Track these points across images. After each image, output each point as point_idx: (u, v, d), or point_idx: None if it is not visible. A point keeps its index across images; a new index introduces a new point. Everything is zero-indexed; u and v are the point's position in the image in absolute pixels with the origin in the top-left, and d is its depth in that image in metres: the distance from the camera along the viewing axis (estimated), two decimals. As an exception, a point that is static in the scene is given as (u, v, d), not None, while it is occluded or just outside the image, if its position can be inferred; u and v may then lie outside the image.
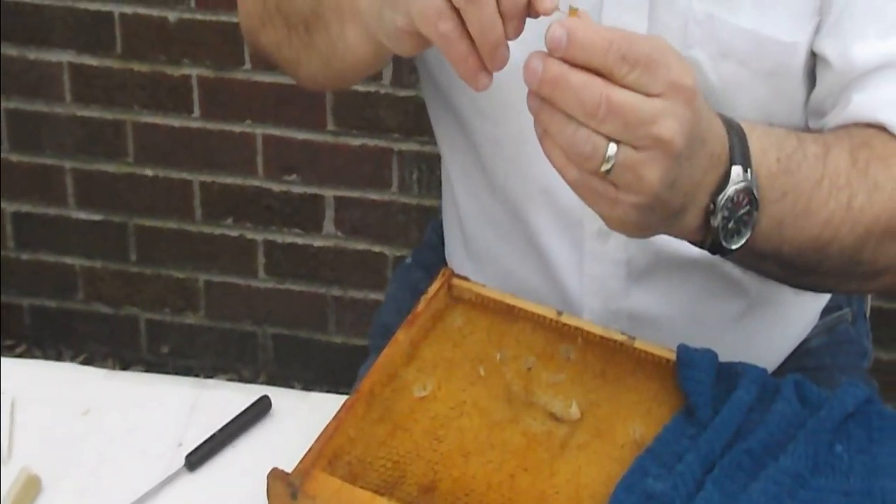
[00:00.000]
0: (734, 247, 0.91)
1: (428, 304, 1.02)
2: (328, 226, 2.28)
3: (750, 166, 0.89)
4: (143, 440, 1.03)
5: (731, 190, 0.88)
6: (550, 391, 0.98)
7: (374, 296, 2.31)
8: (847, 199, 0.95)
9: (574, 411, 0.96)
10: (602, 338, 1.01)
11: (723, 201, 0.88)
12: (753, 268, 1.01)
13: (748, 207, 0.90)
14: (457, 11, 0.82)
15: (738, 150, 0.89)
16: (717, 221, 0.89)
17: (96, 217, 2.35)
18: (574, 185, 0.84)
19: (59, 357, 2.42)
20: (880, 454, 0.92)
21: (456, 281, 1.05)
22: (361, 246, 2.29)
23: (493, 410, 0.96)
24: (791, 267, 0.98)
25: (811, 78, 1.07)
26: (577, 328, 1.02)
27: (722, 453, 0.91)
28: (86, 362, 2.40)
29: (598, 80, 0.80)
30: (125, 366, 2.43)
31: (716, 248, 0.91)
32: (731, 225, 0.89)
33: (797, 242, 0.95)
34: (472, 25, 0.82)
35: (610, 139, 0.81)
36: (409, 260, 1.41)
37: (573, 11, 0.81)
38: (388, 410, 0.96)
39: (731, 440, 0.92)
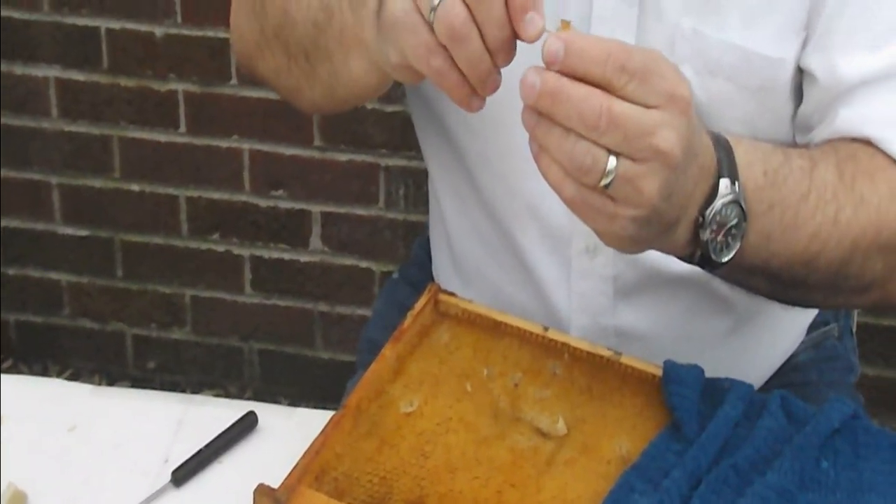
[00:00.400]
0: (723, 260, 0.91)
1: (414, 319, 1.02)
2: (315, 241, 2.28)
3: (737, 179, 0.89)
4: (129, 456, 1.03)
5: (719, 203, 0.88)
6: (537, 407, 0.98)
7: (360, 311, 2.31)
8: (834, 212, 0.96)
9: (560, 427, 0.96)
10: (588, 353, 1.01)
11: (711, 214, 0.88)
12: (742, 283, 1.01)
13: (736, 220, 0.90)
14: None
15: (726, 163, 0.89)
16: (706, 235, 0.89)
17: (83, 232, 2.35)
18: (571, 202, 0.83)
19: (45, 372, 2.41)
20: (866, 470, 0.92)
21: (442, 296, 1.05)
22: (348, 261, 2.29)
23: (480, 426, 0.96)
24: (779, 281, 0.98)
25: (798, 93, 1.07)
26: (563, 344, 1.02)
27: (708, 469, 0.91)
28: (72, 378, 2.39)
29: (598, 92, 0.79)
30: (111, 381, 2.42)
31: (705, 263, 0.91)
32: (719, 238, 0.89)
33: (785, 256, 0.95)
34: (460, 61, 0.83)
35: (609, 151, 0.80)
36: (396, 276, 1.41)
37: (565, 24, 0.81)
38: (375, 426, 0.96)
39: (717, 456, 0.92)
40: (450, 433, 0.96)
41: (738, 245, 0.91)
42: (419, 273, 1.35)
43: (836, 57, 1.02)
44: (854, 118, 1.01)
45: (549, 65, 0.79)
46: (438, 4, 0.81)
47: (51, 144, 2.28)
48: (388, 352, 1.00)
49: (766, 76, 1.05)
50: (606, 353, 1.01)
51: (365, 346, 1.35)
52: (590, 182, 0.81)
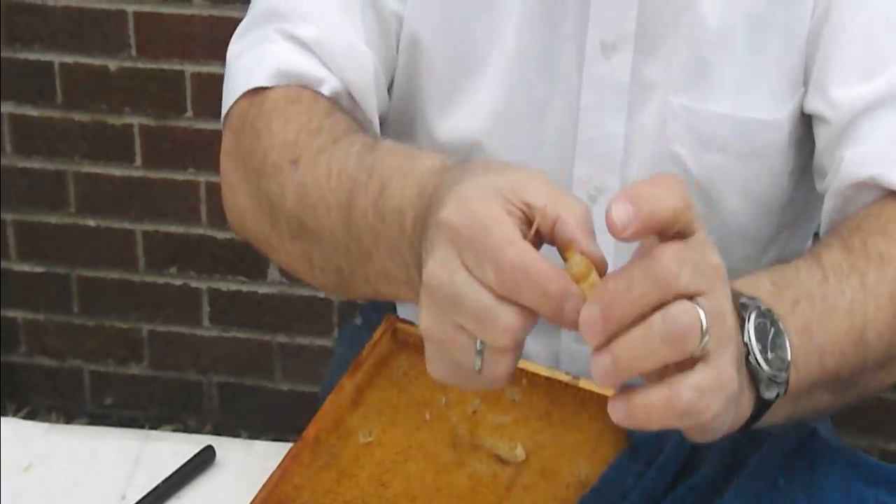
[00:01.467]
0: (785, 367, 0.83)
1: (372, 349, 1.02)
2: (273, 273, 2.28)
3: (747, 296, 0.83)
4: (86, 494, 1.02)
5: (751, 322, 0.81)
6: (496, 434, 0.98)
7: (319, 342, 2.30)
8: (859, 280, 0.91)
9: (519, 453, 0.96)
10: (547, 379, 1.01)
11: (749, 333, 0.81)
12: (808, 410, 0.92)
13: (773, 329, 0.83)
14: None
15: (730, 289, 0.80)
16: (758, 359, 0.81)
17: (38, 269, 2.33)
18: (690, 401, 0.72)
19: (1, 411, 2.39)
20: (823, 487, 0.92)
21: (400, 325, 1.05)
22: (306, 292, 2.28)
23: (439, 454, 0.96)
24: (840, 383, 0.91)
25: (798, 148, 1.06)
26: (521, 370, 1.02)
27: (666, 491, 0.91)
28: (29, 416, 2.37)
29: (661, 251, 0.72)
30: (69, 418, 2.40)
31: (768, 406, 0.83)
32: (770, 356, 0.82)
33: (835, 346, 0.89)
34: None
35: (690, 300, 0.72)
36: (358, 321, 1.40)
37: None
38: (334, 457, 0.95)
39: (675, 477, 0.92)
40: (409, 462, 0.95)
41: (787, 355, 0.83)
42: (382, 316, 1.33)
43: (832, 91, 1.01)
44: (856, 159, 0.99)
45: (621, 232, 0.70)
46: (482, 363, 0.76)
47: (5, 181, 2.26)
48: (347, 382, 1.00)
49: (760, 139, 1.03)
50: (565, 377, 1.01)
51: (327, 392, 1.33)
52: (692, 344, 0.72)
